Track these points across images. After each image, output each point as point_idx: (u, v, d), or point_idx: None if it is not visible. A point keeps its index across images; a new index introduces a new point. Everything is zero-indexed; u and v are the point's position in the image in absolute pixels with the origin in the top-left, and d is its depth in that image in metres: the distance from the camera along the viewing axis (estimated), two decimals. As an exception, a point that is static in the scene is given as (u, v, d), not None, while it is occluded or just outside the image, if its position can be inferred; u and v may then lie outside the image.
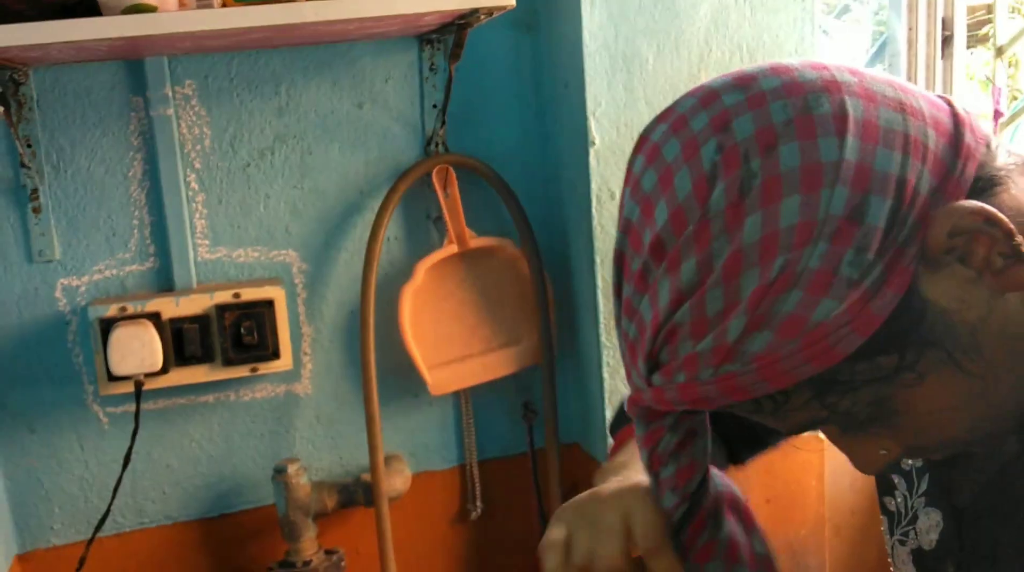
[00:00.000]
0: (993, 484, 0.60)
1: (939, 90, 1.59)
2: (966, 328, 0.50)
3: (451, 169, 1.34)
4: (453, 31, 1.26)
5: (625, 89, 1.26)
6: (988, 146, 0.52)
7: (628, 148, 1.22)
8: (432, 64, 1.33)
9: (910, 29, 1.59)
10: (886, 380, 0.50)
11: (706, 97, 0.52)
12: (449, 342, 1.38)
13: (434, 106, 1.34)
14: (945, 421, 0.53)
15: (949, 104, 0.52)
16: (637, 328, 0.52)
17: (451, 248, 1.35)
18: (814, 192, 0.47)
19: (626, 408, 0.58)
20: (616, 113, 1.26)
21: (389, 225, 1.34)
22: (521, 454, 1.46)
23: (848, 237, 0.47)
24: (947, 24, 1.59)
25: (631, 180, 0.54)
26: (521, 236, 1.36)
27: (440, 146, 1.35)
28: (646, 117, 1.26)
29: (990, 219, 0.49)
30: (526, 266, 1.37)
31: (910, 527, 0.66)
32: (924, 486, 0.65)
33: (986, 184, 0.51)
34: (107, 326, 1.21)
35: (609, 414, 1.34)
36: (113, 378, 1.22)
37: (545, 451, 1.42)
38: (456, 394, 1.42)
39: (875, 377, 0.50)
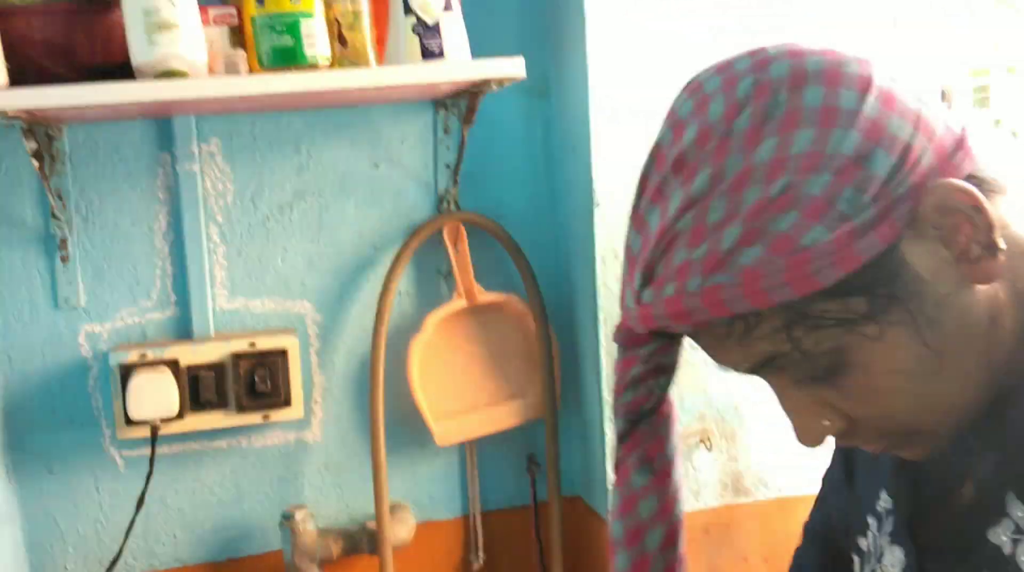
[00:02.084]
0: (950, 527, 0.63)
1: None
2: (933, 299, 0.54)
3: (462, 226, 1.39)
4: (467, 97, 1.32)
5: (630, 153, 1.31)
6: (987, 162, 0.57)
7: (632, 211, 1.28)
8: (446, 127, 1.39)
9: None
10: (850, 326, 0.54)
11: (754, 50, 0.58)
12: (456, 394, 1.42)
13: (447, 166, 1.40)
14: (891, 390, 0.56)
15: (961, 120, 0.58)
16: (643, 239, 0.57)
17: (460, 302, 1.40)
18: (829, 129, 0.52)
19: (613, 335, 0.63)
20: (621, 177, 1.31)
21: (401, 279, 1.38)
22: (524, 506, 1.49)
23: (850, 176, 0.52)
24: (946, 95, 1.64)
25: (670, 111, 0.59)
26: (528, 292, 1.40)
27: (452, 204, 1.40)
28: (650, 181, 1.31)
29: (977, 206, 0.53)
30: (532, 322, 1.41)
31: (877, 564, 0.69)
32: (890, 527, 0.68)
33: (977, 185, 0.55)
34: (127, 372, 1.26)
35: (610, 467, 1.37)
36: (130, 422, 1.26)
37: (548, 503, 1.45)
38: (461, 445, 1.45)
39: (842, 319, 0.54)
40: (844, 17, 1.40)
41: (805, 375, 0.57)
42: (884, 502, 0.70)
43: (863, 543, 0.72)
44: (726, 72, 0.57)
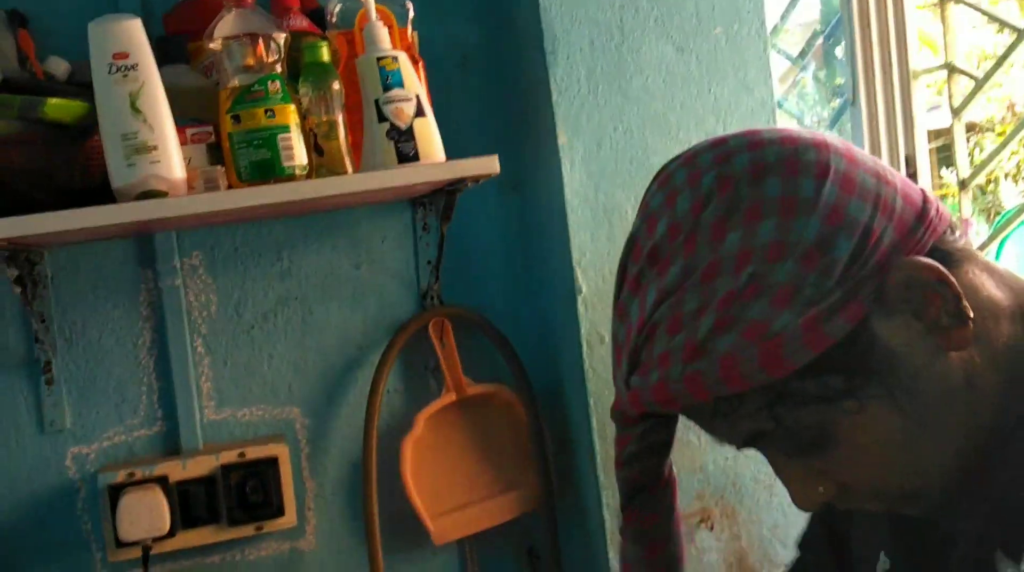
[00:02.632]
0: None
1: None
2: (909, 370, 0.56)
3: (446, 321, 1.40)
4: (444, 195, 1.34)
5: (607, 239, 1.33)
6: (951, 229, 0.59)
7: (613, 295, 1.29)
8: (425, 224, 1.41)
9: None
10: (830, 403, 0.56)
11: (716, 141, 0.61)
12: (451, 490, 1.40)
13: (428, 262, 1.41)
14: (878, 460, 0.57)
15: (923, 189, 0.60)
16: (626, 329, 0.60)
17: (449, 397, 1.39)
18: (790, 219, 0.55)
19: (610, 414, 0.65)
20: (600, 262, 1.32)
21: (388, 378, 1.38)
22: (527, 600, 1.46)
23: (814, 262, 0.54)
24: (910, 162, 1.68)
25: (643, 203, 0.62)
26: (516, 382, 1.40)
27: (435, 299, 1.41)
28: (629, 265, 1.33)
29: (942, 279, 0.55)
30: (522, 411, 1.41)
31: None
32: None
33: (942, 257, 0.57)
34: (116, 492, 1.24)
35: (612, 554, 1.35)
36: (121, 544, 1.23)
37: (551, 596, 1.42)
38: (460, 542, 1.43)
39: (821, 396, 0.56)
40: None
41: (792, 449, 0.59)
42: (884, 564, 0.70)
43: None
44: (691, 166, 0.60)
